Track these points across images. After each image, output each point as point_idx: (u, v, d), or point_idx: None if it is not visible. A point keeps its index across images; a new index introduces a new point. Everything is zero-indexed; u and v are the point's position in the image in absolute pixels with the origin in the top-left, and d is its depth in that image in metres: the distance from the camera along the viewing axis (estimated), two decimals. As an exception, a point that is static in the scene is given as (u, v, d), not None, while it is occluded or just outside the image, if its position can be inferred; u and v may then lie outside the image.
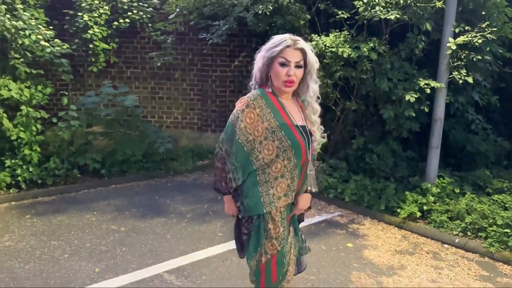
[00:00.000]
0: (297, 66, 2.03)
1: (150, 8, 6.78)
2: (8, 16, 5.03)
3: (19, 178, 5.18)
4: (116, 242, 4.05)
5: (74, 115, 5.53)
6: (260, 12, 5.15)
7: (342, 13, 5.18)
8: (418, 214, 4.62)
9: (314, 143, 2.17)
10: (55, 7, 6.56)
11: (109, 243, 4.01)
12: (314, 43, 5.06)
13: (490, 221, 4.22)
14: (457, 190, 4.85)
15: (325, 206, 5.20)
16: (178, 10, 6.30)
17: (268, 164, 2.03)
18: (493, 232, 4.08)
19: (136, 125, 6.29)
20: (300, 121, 2.10)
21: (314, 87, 2.12)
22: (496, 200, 4.65)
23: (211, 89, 7.24)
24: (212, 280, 3.41)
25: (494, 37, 4.55)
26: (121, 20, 6.52)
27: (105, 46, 6.52)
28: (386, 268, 3.74)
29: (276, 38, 2.04)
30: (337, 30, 5.26)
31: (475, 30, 4.65)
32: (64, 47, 5.72)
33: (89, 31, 6.25)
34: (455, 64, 4.77)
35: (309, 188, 2.22)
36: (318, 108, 2.18)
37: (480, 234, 4.23)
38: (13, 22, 4.96)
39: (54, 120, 5.56)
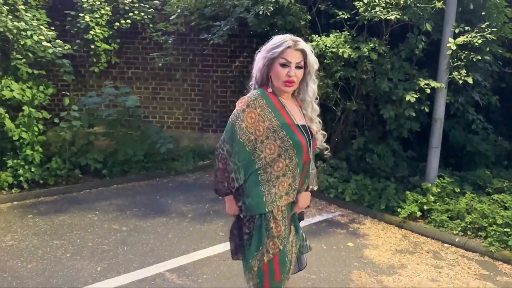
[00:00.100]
0: (298, 67, 2.04)
1: (151, 9, 6.79)
2: (10, 17, 5.06)
3: (21, 178, 5.21)
4: (118, 241, 4.07)
5: (76, 115, 5.57)
6: (260, 12, 5.17)
7: (343, 14, 5.19)
8: (419, 213, 4.63)
9: (315, 141, 2.18)
10: (57, 8, 6.58)
11: (111, 243, 4.04)
12: (314, 43, 5.07)
13: (490, 221, 4.23)
14: (457, 190, 4.86)
15: (325, 205, 5.22)
16: (179, 10, 6.32)
17: (270, 163, 2.04)
18: (493, 232, 4.10)
19: (137, 125, 6.31)
20: (300, 121, 2.12)
21: (313, 87, 2.15)
22: (496, 200, 4.66)
23: (212, 90, 7.26)
24: (213, 279, 3.43)
25: (494, 38, 4.56)
26: (122, 21, 6.54)
27: (107, 46, 6.54)
28: (387, 267, 3.76)
29: (276, 39, 2.05)
30: (338, 31, 5.27)
31: (475, 31, 4.66)
32: (66, 47, 5.74)
33: (90, 32, 6.27)
34: (455, 64, 4.78)
35: (310, 186, 2.24)
36: (317, 108, 2.20)
37: (480, 233, 4.24)
38: (15, 23, 4.98)
39: (56, 120, 5.60)
